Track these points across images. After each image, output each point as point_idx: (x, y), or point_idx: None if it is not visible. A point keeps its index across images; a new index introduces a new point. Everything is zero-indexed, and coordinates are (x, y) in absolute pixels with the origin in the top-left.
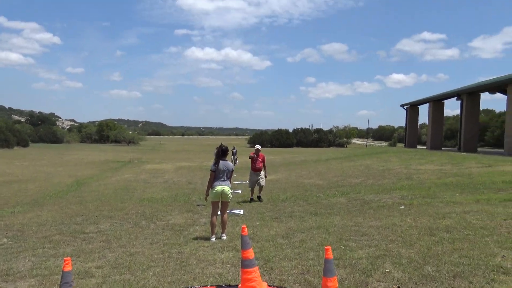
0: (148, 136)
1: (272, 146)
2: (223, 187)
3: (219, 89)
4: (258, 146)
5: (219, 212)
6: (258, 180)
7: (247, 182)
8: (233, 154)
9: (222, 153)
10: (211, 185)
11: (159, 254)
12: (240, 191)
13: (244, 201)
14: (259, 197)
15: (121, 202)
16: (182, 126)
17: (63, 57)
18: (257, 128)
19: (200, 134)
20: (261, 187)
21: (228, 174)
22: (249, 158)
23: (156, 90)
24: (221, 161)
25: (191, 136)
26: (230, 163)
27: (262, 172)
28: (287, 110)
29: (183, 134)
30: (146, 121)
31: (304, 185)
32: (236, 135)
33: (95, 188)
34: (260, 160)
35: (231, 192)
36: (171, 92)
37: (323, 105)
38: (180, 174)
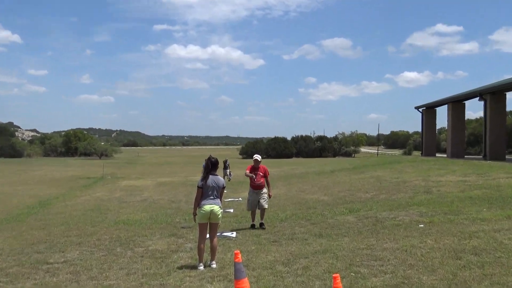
0: (123, 148)
1: (269, 156)
2: (212, 206)
3: (206, 92)
4: (257, 157)
5: (207, 236)
6: (259, 200)
7: (240, 199)
8: (226, 168)
9: (211, 166)
10: (198, 203)
11: (137, 287)
12: (232, 210)
13: (239, 228)
14: (261, 224)
15: (92, 226)
16: (163, 135)
17: (24, 57)
18: (250, 136)
19: (184, 144)
20: (263, 211)
21: (218, 191)
22: (246, 176)
23: (132, 94)
24: (210, 176)
25: (173, 147)
26: (221, 179)
27: (265, 190)
28: (284, 115)
29: (164, 145)
30: (121, 130)
31: (307, 201)
32: (226, 144)
33: (61, 209)
34: (262, 174)
35: (221, 212)
36: (150, 97)
37: (326, 108)
38: (161, 192)
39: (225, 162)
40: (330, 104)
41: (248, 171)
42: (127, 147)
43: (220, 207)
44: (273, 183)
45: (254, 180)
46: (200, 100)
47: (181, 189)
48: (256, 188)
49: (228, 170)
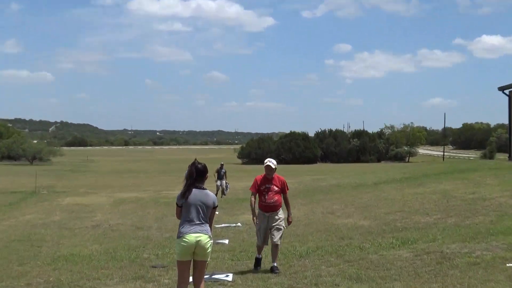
0: (66, 148)
1: (281, 161)
2: (198, 236)
3: (188, 66)
4: (271, 162)
5: (190, 279)
6: (271, 230)
7: (239, 225)
8: (220, 177)
9: (196, 175)
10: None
11: None
12: (227, 241)
13: (237, 270)
14: (272, 269)
15: (19, 264)
16: (124, 130)
17: None
18: (253, 132)
19: (156, 144)
20: (275, 248)
21: (206, 213)
22: (253, 193)
23: (80, 69)
24: (194, 190)
25: (140, 147)
26: (211, 194)
27: (280, 213)
28: (304, 99)
29: (126, 144)
30: (63, 123)
31: (337, 228)
32: (219, 143)
33: None
34: (277, 189)
35: (211, 245)
36: (106, 73)
37: (366, 90)
38: (121, 213)
39: (220, 168)
40: (373, 84)
41: (253, 189)
42: (71, 147)
43: (209, 236)
44: (290, 201)
45: (265, 199)
46: (180, 78)
47: (151, 209)
48: (268, 209)
49: (224, 181)
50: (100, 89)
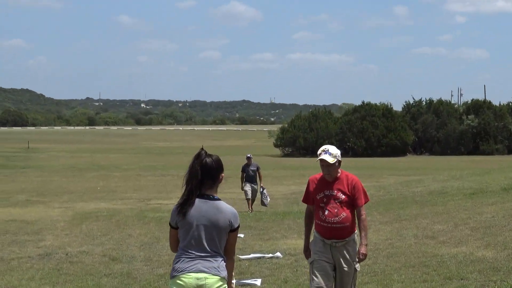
0: None
1: (347, 151)
2: (201, 277)
3: None
4: (327, 153)
5: None
6: (337, 273)
7: (278, 255)
8: (250, 179)
9: (202, 176)
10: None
11: None
12: (259, 282)
13: None
14: None
15: None
16: (88, 100)
17: None
18: (300, 103)
19: (139, 122)
20: None
21: (216, 238)
22: (309, 206)
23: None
24: (197, 202)
25: (114, 128)
26: (226, 208)
27: (353, 243)
28: (385, 50)
29: (91, 123)
30: None
31: (442, 261)
32: (244, 122)
33: None
34: (344, 196)
35: None
36: (58, 5)
37: (488, 33)
38: (86, 235)
39: (248, 164)
40: (502, 22)
41: (305, 199)
42: (1, 128)
43: (221, 279)
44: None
45: (323, 216)
46: (178, 13)
47: (133, 229)
48: (329, 234)
49: (256, 185)
50: (48, 31)
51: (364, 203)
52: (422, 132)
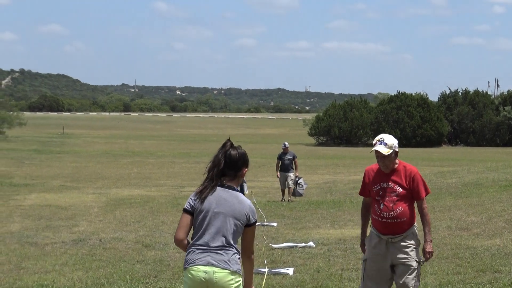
0: (29, 114)
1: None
2: (209, 270)
3: None
4: (382, 143)
5: None
6: (396, 266)
7: (311, 245)
8: (285, 168)
9: (225, 166)
10: (184, 245)
11: None
12: (291, 272)
13: None
14: None
15: None
16: (124, 86)
17: None
18: (335, 92)
19: (174, 109)
20: None
21: (232, 231)
22: (365, 199)
23: None
24: (218, 189)
25: (149, 115)
26: (245, 200)
27: (411, 237)
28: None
29: (126, 109)
30: (23, 71)
31: (476, 254)
32: (279, 110)
33: None
34: (402, 190)
35: (236, 285)
36: None
37: None
38: (119, 222)
39: (283, 152)
40: None
41: (362, 191)
42: (37, 113)
43: (232, 272)
44: None
45: (379, 210)
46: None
47: (166, 216)
48: (385, 229)
49: (292, 174)
50: (83, 18)
51: (425, 196)
52: (458, 123)
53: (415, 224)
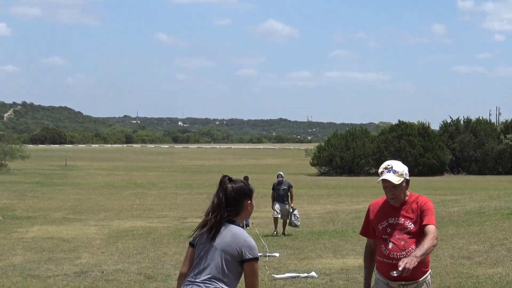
0: (31, 147)
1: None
2: None
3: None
4: (390, 171)
5: None
6: None
7: (313, 275)
8: (280, 198)
9: (226, 202)
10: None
11: None
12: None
13: None
14: None
15: None
16: (126, 118)
17: None
18: (337, 122)
19: (177, 140)
20: None
21: (224, 267)
22: (369, 240)
23: (50, 16)
24: (223, 229)
25: (151, 146)
26: (240, 234)
27: (427, 280)
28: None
29: (128, 141)
30: (26, 104)
31: (478, 283)
32: (281, 140)
33: None
34: (413, 226)
35: None
36: (94, 23)
37: None
38: (121, 253)
39: (278, 183)
40: None
41: (363, 231)
42: (40, 145)
43: None
44: None
45: (386, 251)
46: (215, 31)
47: (169, 248)
48: (394, 276)
49: (287, 206)
50: (85, 50)
51: (435, 224)
52: (460, 151)
53: (430, 270)
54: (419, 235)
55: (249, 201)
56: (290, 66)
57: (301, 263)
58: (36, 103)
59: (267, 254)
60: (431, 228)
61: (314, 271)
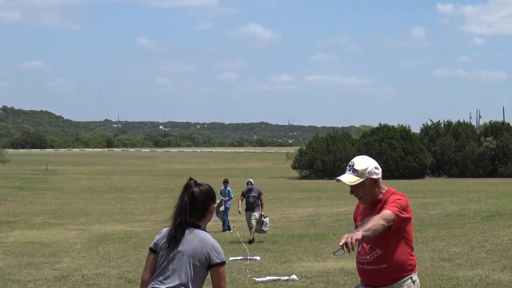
0: (12, 151)
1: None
2: None
3: (209, 15)
4: (354, 170)
5: None
6: None
7: (293, 278)
8: (250, 206)
9: (190, 207)
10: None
11: None
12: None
13: None
14: None
15: None
16: (107, 122)
17: None
18: (318, 125)
19: (157, 144)
20: None
21: (191, 272)
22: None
23: (31, 19)
24: (187, 233)
25: (132, 150)
26: (207, 240)
27: (408, 285)
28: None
29: (109, 145)
30: (6, 108)
31: (458, 284)
32: (262, 144)
33: None
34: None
35: None
36: (75, 27)
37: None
38: (102, 258)
39: (248, 190)
40: None
41: (355, 224)
42: (20, 150)
43: None
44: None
45: (357, 253)
46: (196, 35)
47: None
48: (364, 279)
49: (258, 213)
50: (65, 54)
51: (394, 213)
52: (440, 154)
53: (413, 275)
54: (390, 236)
55: (214, 205)
56: (271, 70)
57: (282, 266)
58: (16, 107)
59: (248, 257)
60: (383, 211)
61: (295, 274)
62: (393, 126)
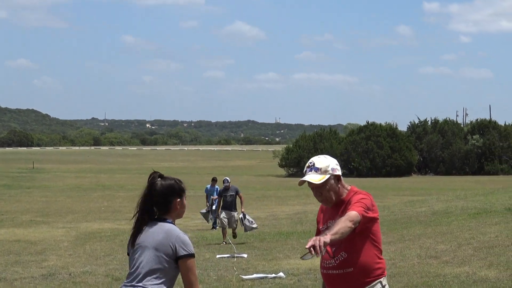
0: None
1: (352, 171)
2: None
3: (196, 14)
4: (312, 170)
5: None
6: None
7: (281, 275)
8: (227, 206)
9: (153, 202)
10: None
11: None
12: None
13: None
14: None
15: None
16: (94, 120)
17: None
18: (305, 123)
19: (145, 142)
20: None
21: (153, 262)
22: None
23: (17, 18)
24: (148, 229)
25: (119, 148)
26: (173, 231)
27: None
28: (389, 70)
29: (96, 143)
30: None
31: (445, 281)
32: (249, 142)
33: None
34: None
35: None
36: (60, 25)
37: (494, 53)
38: (89, 256)
39: (225, 189)
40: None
41: (317, 227)
42: (7, 148)
43: None
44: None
45: (321, 258)
46: (182, 33)
47: None
48: (328, 286)
49: (236, 213)
50: (51, 52)
51: (360, 213)
52: (427, 152)
53: (382, 279)
54: (356, 238)
55: (179, 200)
56: (257, 68)
57: (269, 264)
58: (2, 105)
59: (235, 255)
60: (348, 213)
61: (282, 272)
62: (380, 124)
